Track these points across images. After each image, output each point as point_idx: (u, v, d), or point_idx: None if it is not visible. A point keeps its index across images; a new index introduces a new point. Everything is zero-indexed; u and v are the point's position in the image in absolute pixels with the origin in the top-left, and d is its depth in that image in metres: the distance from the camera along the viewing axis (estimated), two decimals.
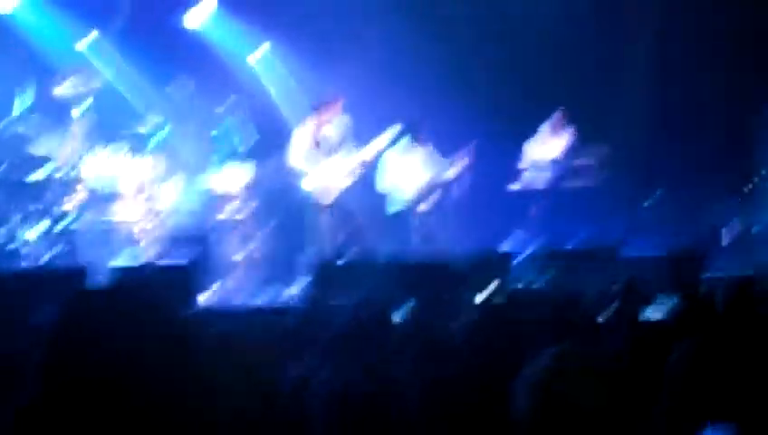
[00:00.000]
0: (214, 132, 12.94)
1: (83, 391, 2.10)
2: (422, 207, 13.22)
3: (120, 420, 2.08)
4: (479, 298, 8.62)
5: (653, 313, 6.15)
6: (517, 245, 13.32)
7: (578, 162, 14.06)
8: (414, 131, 13.15)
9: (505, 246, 13.35)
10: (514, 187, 14.19)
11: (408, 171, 13.15)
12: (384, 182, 13.12)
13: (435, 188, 13.24)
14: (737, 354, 3.38)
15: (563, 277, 11.69)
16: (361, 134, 12.79)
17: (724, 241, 13.87)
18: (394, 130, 12.78)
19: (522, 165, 14.18)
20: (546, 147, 14.17)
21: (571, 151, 14.08)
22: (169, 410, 2.13)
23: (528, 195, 14.15)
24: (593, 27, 14.92)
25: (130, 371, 2.11)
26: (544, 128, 14.17)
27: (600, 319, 6.73)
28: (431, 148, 13.31)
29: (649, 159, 14.72)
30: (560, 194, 14.02)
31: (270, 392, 3.28)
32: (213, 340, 3.24)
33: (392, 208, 13.20)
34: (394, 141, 12.93)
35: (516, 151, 14.19)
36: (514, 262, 12.28)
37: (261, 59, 14.83)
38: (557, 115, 14.13)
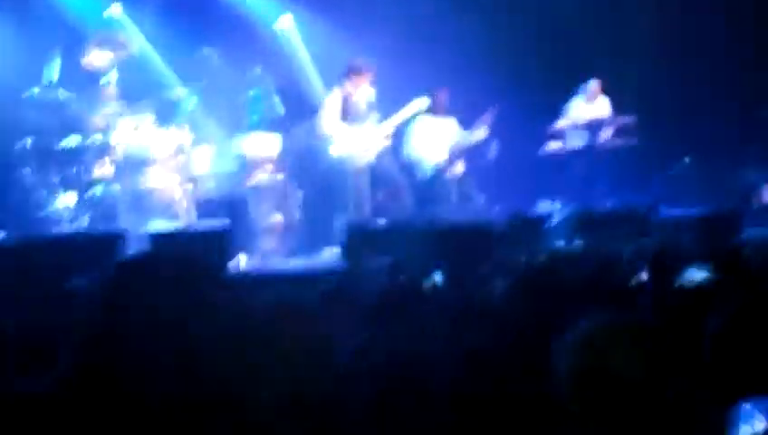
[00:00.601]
0: (250, 93, 12.90)
1: (127, 360, 2.05)
2: (454, 171, 13.18)
3: (166, 391, 2.04)
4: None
5: (688, 277, 6.07)
6: (553, 206, 13.27)
7: (618, 121, 14.02)
8: (432, 102, 13.06)
9: (541, 208, 13.30)
10: (553, 146, 14.14)
11: (432, 140, 13.12)
12: (409, 150, 13.09)
13: (461, 154, 13.20)
14: None
15: (599, 239, 11.64)
16: (385, 104, 12.73)
17: (755, 204, 13.79)
18: (421, 100, 12.71)
19: (560, 125, 14.14)
20: (585, 109, 14.16)
21: (609, 115, 14.09)
22: (221, 383, 2.08)
23: (566, 155, 14.11)
24: None
25: (175, 340, 2.07)
26: (580, 95, 14.17)
27: (635, 282, 6.66)
28: (452, 117, 13.28)
29: (680, 125, 14.67)
30: (598, 154, 13.97)
31: (325, 364, 3.19)
32: (261, 308, 3.17)
33: (423, 175, 13.15)
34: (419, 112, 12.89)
35: (550, 118, 14.16)
36: (550, 223, 12.22)
37: (285, 27, 14.80)
38: (593, 83, 14.12)
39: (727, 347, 3.26)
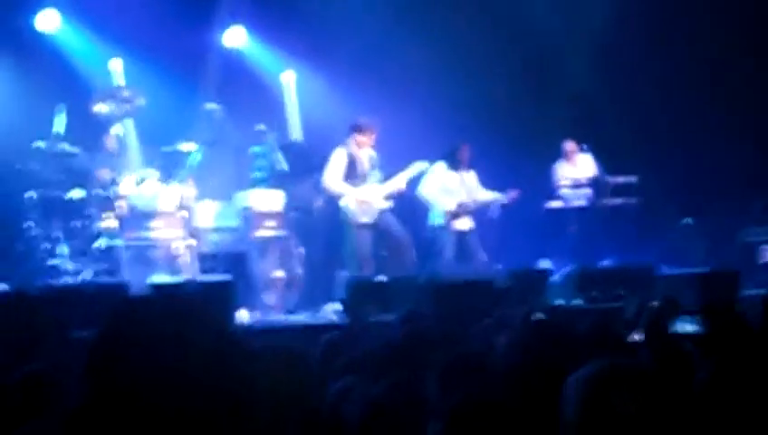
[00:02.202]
0: (254, 149, 12.99)
1: (125, 402, 2.09)
2: (461, 226, 13.25)
3: (162, 431, 2.07)
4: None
5: (684, 328, 6.14)
6: (555, 262, 13.31)
7: (617, 180, 14.12)
8: (454, 157, 13.20)
9: (543, 264, 13.34)
10: (554, 204, 14.24)
11: (445, 190, 13.21)
12: (422, 194, 13.18)
13: (473, 209, 13.29)
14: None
15: (601, 295, 11.68)
16: (389, 161, 12.84)
17: (760, 260, 13.83)
18: (422, 163, 12.82)
19: (559, 183, 14.26)
20: (568, 170, 14.30)
21: (604, 171, 14.18)
22: (211, 423, 2.13)
23: (566, 212, 14.20)
24: (624, 55, 15.06)
25: (173, 382, 2.10)
26: (564, 151, 14.35)
27: (636, 336, 6.71)
28: (472, 171, 13.39)
29: (683, 181, 14.78)
30: (598, 212, 14.06)
31: (311, 406, 3.27)
32: (254, 354, 3.23)
33: (432, 221, 13.26)
34: (421, 174, 12.98)
35: (546, 172, 14.31)
36: (553, 279, 12.27)
37: (287, 83, 15.00)
38: (568, 144, 14.27)
39: (713, 396, 3.32)
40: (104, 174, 11.98)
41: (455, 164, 13.28)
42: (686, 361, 4.34)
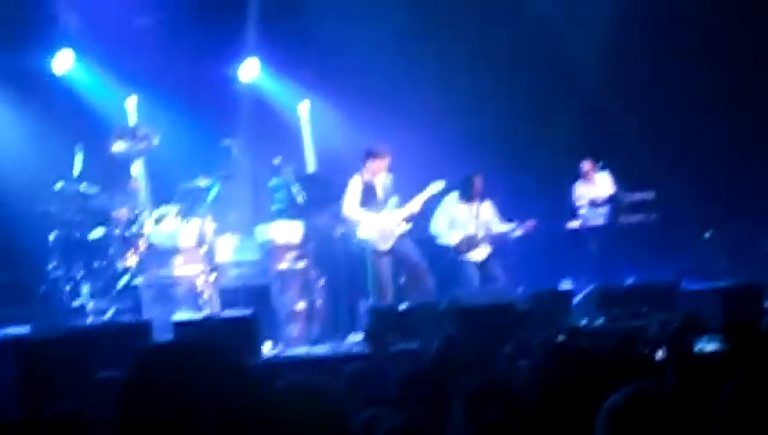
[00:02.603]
0: (272, 182, 13.03)
1: None
2: (478, 256, 13.24)
3: None
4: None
5: (707, 346, 6.12)
6: (577, 282, 13.29)
7: (634, 197, 14.09)
8: (466, 188, 13.22)
9: (565, 285, 13.32)
10: (573, 225, 14.23)
11: (456, 222, 13.22)
12: (433, 227, 13.20)
13: (490, 239, 13.29)
14: None
15: (623, 313, 11.66)
16: (404, 187, 12.88)
17: None
18: (437, 183, 12.82)
19: (577, 203, 14.26)
20: (586, 189, 14.30)
21: (621, 190, 14.16)
22: None
23: (586, 232, 14.19)
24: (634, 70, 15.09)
25: (200, 425, 2.12)
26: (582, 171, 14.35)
27: (659, 355, 6.69)
28: (486, 201, 13.39)
29: (702, 194, 14.77)
30: (617, 230, 14.04)
31: None
32: (280, 390, 3.24)
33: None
34: (436, 195, 13.00)
35: (565, 192, 14.33)
36: (575, 300, 12.25)
37: (302, 114, 15.08)
38: (585, 163, 14.26)
39: (737, 416, 3.31)
40: (123, 213, 12.03)
41: (467, 195, 13.27)
42: (710, 381, 4.32)
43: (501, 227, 13.38)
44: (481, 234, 13.23)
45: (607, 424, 2.98)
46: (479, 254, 13.24)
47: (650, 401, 2.97)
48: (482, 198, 13.35)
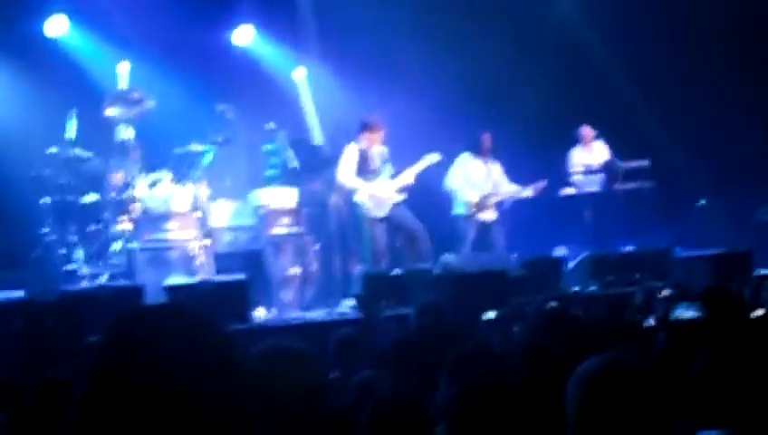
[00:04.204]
0: (266, 147, 13.00)
1: (129, 407, 2.10)
2: (485, 216, 13.27)
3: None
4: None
5: (685, 313, 6.15)
6: (571, 249, 13.31)
7: (629, 164, 14.08)
8: (477, 145, 13.25)
9: (559, 252, 13.35)
10: (567, 191, 14.22)
11: (471, 179, 13.25)
12: (448, 184, 13.23)
13: (498, 201, 13.33)
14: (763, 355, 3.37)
15: (616, 280, 11.70)
16: (402, 155, 12.88)
17: None
18: (433, 155, 12.83)
19: (572, 169, 14.25)
20: (583, 156, 14.30)
21: (617, 157, 14.15)
22: (218, 425, 2.14)
23: (580, 199, 14.18)
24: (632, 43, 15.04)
25: (176, 387, 2.11)
26: (581, 136, 14.35)
27: (648, 322, 6.72)
28: (497, 162, 13.43)
29: (698, 163, 14.79)
30: (612, 197, 14.03)
31: (322, 402, 3.28)
32: (256, 353, 3.25)
33: (455, 211, 13.33)
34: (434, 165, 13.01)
35: (561, 158, 14.33)
36: (569, 267, 12.28)
37: (298, 80, 15.04)
38: (585, 129, 14.25)
39: (709, 381, 3.33)
40: (118, 178, 12.01)
41: (479, 152, 13.33)
42: (686, 348, 4.35)
43: (510, 187, 13.42)
44: (495, 194, 13.30)
45: (576, 387, 3.00)
46: (490, 214, 13.29)
47: (622, 369, 2.99)
48: (493, 157, 13.41)
